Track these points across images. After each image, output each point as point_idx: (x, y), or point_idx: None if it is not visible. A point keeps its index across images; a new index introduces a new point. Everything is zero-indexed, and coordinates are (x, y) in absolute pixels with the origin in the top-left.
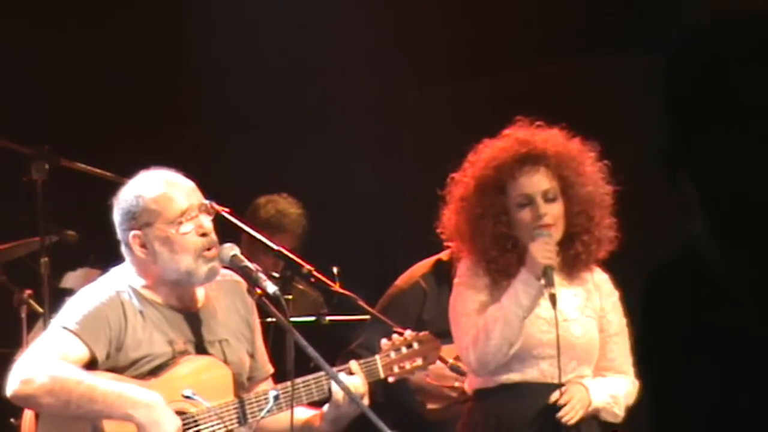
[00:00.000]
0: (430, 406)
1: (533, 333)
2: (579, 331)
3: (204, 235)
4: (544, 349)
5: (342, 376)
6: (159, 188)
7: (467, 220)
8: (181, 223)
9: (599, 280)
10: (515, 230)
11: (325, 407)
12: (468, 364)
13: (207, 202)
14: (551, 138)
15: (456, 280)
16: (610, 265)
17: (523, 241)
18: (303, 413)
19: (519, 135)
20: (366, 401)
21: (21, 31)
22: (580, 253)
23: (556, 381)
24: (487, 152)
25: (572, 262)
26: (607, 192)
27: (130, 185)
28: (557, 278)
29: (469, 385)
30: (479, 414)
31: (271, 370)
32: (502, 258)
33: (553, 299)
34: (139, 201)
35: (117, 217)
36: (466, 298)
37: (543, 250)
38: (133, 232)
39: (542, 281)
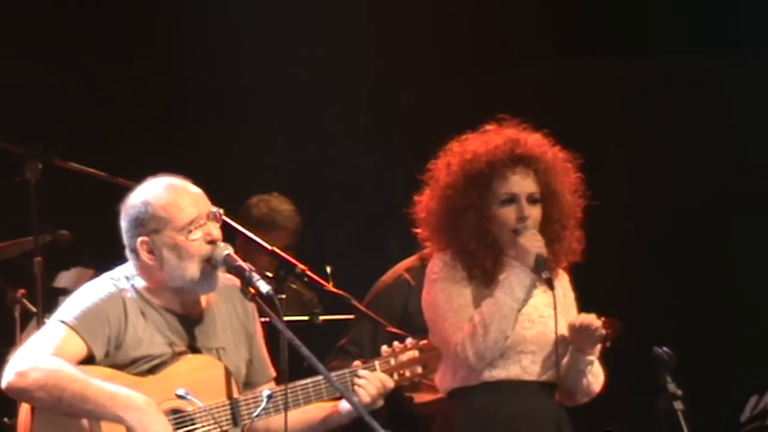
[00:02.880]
0: (418, 399)
1: (517, 330)
2: (564, 330)
3: (212, 242)
4: (527, 345)
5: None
6: (168, 195)
7: (450, 210)
8: (190, 231)
9: (561, 278)
10: (494, 227)
11: (342, 403)
12: (463, 359)
13: (215, 209)
14: (542, 143)
15: (432, 276)
16: None
17: (500, 238)
18: (318, 412)
19: (511, 134)
20: (381, 402)
21: (15, 31)
22: (550, 260)
23: (535, 378)
24: (477, 146)
25: None
26: (580, 205)
27: (137, 191)
28: None
29: (445, 383)
30: (462, 413)
31: (273, 374)
32: (480, 252)
33: (549, 283)
34: (148, 208)
35: (124, 223)
36: (450, 293)
37: (533, 241)
38: (140, 238)
39: (543, 273)
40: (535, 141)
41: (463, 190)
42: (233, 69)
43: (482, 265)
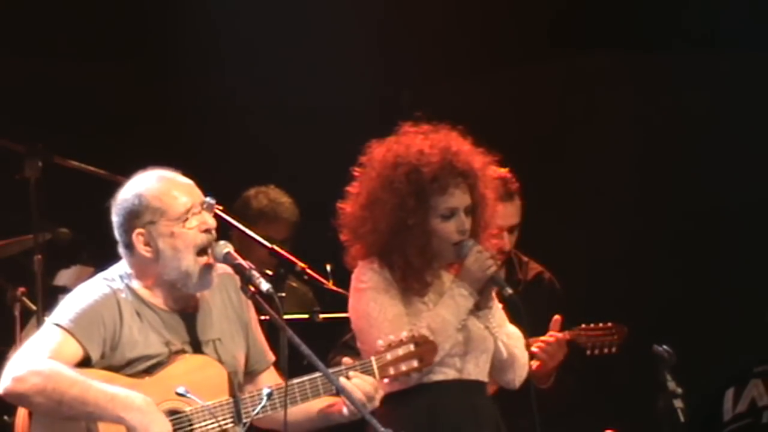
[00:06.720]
0: None
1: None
2: (481, 325)
3: (207, 231)
4: (460, 348)
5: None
6: (161, 186)
7: (396, 227)
8: (186, 219)
9: None
10: (434, 240)
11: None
12: None
13: (208, 199)
14: (473, 153)
15: (361, 286)
16: None
17: (440, 251)
18: (320, 404)
19: (444, 145)
20: (376, 403)
21: (16, 28)
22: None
23: (471, 377)
24: (410, 157)
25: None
26: (495, 207)
27: (127, 186)
28: (449, 278)
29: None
30: (403, 414)
31: (272, 359)
32: (424, 267)
33: (513, 300)
34: (141, 200)
35: (117, 218)
36: (383, 303)
37: (483, 262)
38: (137, 230)
39: (504, 291)
40: (468, 152)
41: (412, 207)
42: (233, 67)
43: (422, 278)
